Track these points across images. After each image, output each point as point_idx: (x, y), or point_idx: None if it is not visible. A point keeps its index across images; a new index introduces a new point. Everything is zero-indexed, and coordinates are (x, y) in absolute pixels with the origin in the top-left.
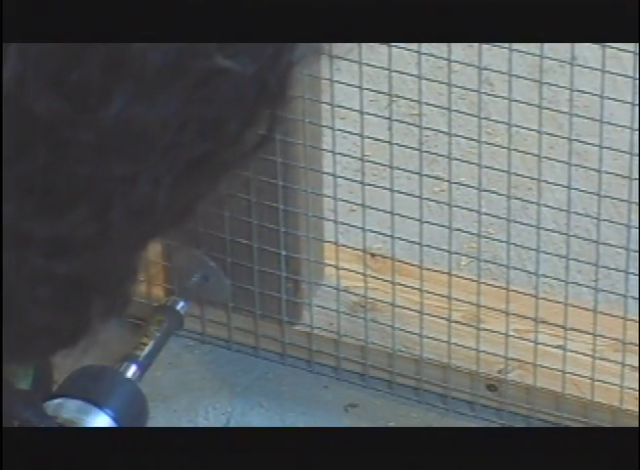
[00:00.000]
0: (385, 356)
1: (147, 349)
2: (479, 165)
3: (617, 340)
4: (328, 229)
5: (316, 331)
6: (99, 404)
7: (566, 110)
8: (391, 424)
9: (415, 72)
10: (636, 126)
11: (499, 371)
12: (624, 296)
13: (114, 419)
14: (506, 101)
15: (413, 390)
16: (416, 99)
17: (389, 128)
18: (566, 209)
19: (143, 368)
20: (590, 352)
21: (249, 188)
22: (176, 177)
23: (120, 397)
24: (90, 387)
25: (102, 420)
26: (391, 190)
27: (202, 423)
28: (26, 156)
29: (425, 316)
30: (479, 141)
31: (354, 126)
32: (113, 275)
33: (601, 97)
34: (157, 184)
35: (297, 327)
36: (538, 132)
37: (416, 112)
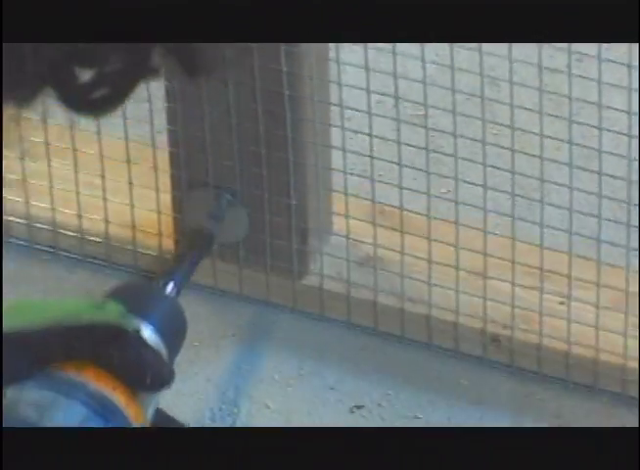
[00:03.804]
0: (393, 307)
1: (182, 269)
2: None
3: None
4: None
5: (326, 282)
6: (140, 314)
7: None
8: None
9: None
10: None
11: (504, 326)
12: (625, 247)
13: (157, 330)
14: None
15: (423, 344)
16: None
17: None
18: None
19: (179, 287)
20: (594, 307)
21: (258, 141)
22: None
23: (161, 310)
24: (131, 298)
25: (145, 328)
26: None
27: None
28: None
29: (432, 271)
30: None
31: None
32: None
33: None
34: None
35: (305, 280)
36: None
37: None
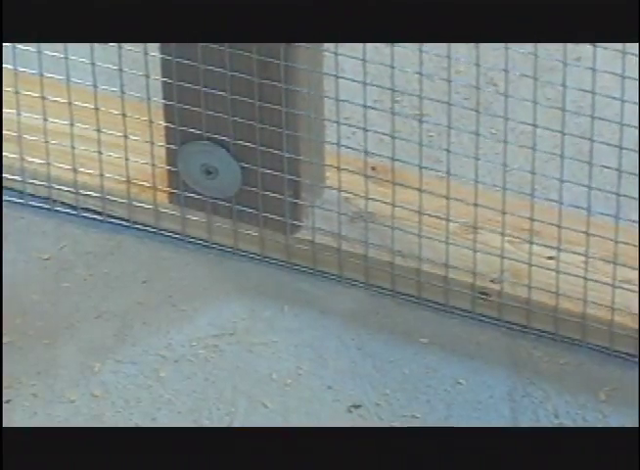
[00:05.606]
0: (385, 262)
1: None
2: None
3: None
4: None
5: (318, 236)
6: None
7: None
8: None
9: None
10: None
11: (492, 280)
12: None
13: None
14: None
15: (414, 299)
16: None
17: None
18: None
19: None
20: (582, 263)
21: (252, 94)
22: None
23: None
24: None
25: None
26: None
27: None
28: None
29: (422, 226)
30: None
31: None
32: None
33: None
34: None
35: (298, 234)
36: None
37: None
